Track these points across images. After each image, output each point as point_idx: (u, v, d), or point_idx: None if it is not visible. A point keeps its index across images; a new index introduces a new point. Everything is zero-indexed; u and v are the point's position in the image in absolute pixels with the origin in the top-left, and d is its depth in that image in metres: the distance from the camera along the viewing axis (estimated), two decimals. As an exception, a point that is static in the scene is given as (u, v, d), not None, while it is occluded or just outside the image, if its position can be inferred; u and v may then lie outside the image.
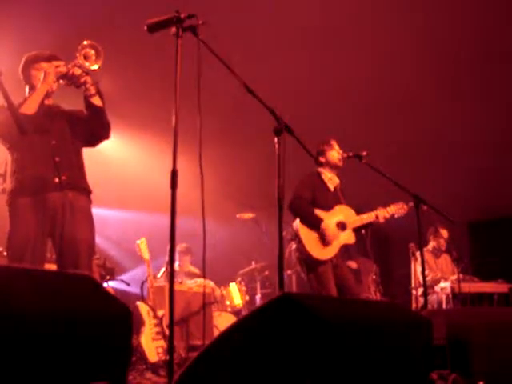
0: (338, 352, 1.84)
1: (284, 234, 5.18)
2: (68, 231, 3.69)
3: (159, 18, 2.99)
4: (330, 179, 5.59)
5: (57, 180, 3.71)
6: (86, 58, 3.72)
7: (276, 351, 1.81)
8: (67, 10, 6.01)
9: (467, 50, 6.90)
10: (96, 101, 3.84)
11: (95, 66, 3.73)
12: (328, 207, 5.40)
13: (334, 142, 5.59)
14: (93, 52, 3.72)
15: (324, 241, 5.24)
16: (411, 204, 4.97)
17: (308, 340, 1.75)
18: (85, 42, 3.72)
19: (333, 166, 5.58)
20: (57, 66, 3.79)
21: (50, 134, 3.81)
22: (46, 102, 3.84)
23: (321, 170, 5.59)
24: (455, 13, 6.39)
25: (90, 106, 3.84)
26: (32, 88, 3.88)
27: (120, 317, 1.64)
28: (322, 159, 5.56)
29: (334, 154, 5.55)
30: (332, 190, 5.58)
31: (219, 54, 3.06)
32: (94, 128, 3.96)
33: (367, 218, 5.43)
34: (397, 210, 5.47)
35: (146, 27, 3.02)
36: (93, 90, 3.79)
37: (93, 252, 3.89)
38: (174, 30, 2.97)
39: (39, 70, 3.88)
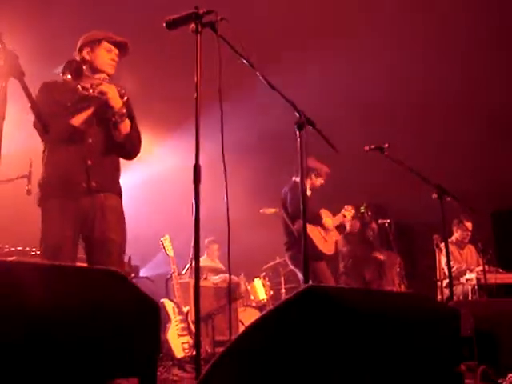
0: (366, 343, 1.83)
1: (296, 227, 5.55)
2: (98, 231, 3.66)
3: (178, 14, 2.99)
4: (309, 189, 6.15)
5: (85, 185, 3.65)
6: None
7: (303, 344, 1.80)
8: (86, 11, 6.05)
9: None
10: (123, 128, 3.71)
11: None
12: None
13: (327, 171, 6.17)
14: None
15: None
16: (435, 196, 4.92)
17: (336, 332, 1.75)
18: None
19: (311, 187, 6.14)
20: (101, 92, 3.63)
21: (88, 132, 3.71)
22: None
23: (298, 180, 5.91)
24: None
25: (116, 134, 3.72)
26: (93, 69, 3.80)
27: (148, 311, 1.65)
28: (312, 176, 6.10)
29: (319, 181, 6.15)
30: (308, 195, 6.11)
31: (239, 50, 3.06)
32: (124, 150, 3.86)
33: (340, 218, 6.33)
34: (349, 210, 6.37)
35: (164, 24, 3.02)
36: (118, 118, 3.66)
37: (123, 252, 3.83)
38: (193, 26, 2.97)
39: (109, 52, 3.83)
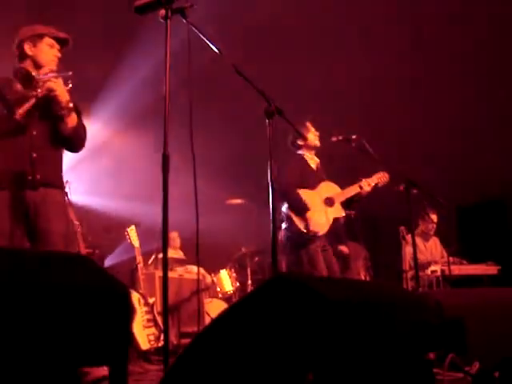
0: (336, 330, 1.81)
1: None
2: (41, 224, 3.63)
3: (147, -1, 2.93)
4: (312, 159, 5.72)
5: (30, 178, 3.60)
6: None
7: (275, 332, 1.78)
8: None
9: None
10: (70, 121, 3.68)
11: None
12: (313, 186, 5.51)
13: (309, 124, 5.68)
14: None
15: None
16: (401, 188, 4.95)
17: (309, 319, 1.73)
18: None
19: (311, 148, 5.69)
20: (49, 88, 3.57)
21: (32, 124, 3.65)
22: None
23: (301, 152, 5.72)
24: None
25: (63, 127, 3.68)
26: (36, 64, 3.71)
27: (119, 296, 1.61)
28: (300, 142, 5.65)
29: (311, 135, 5.65)
30: (314, 169, 5.70)
31: (208, 37, 3.02)
32: (71, 143, 3.83)
33: (352, 190, 5.58)
34: (378, 178, 5.61)
35: (134, 9, 2.95)
36: (66, 112, 3.62)
37: (69, 244, 3.82)
38: (162, 12, 2.92)
39: (51, 48, 3.76)
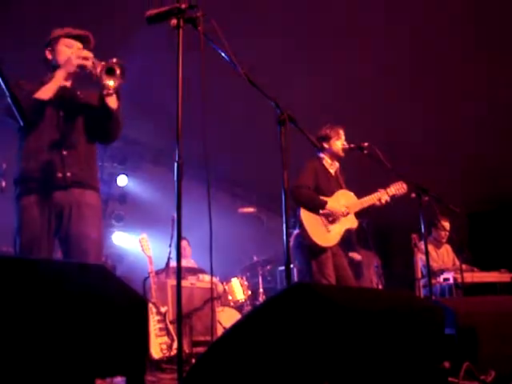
0: (352, 338, 1.81)
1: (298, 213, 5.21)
2: (74, 229, 3.54)
3: (159, 8, 2.94)
4: (331, 164, 5.56)
5: (60, 175, 3.52)
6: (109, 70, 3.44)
7: (292, 340, 1.78)
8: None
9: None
10: (111, 102, 3.55)
11: (111, 82, 3.43)
12: (330, 192, 5.38)
13: (341, 132, 5.52)
14: (118, 71, 3.44)
15: (331, 221, 5.26)
16: (413, 195, 4.94)
17: (325, 327, 1.72)
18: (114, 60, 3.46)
19: (334, 155, 5.52)
20: (84, 58, 3.54)
21: (60, 121, 3.60)
22: (64, 83, 3.65)
23: (322, 155, 5.56)
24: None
25: (103, 106, 3.56)
26: (55, 66, 3.67)
27: (137, 307, 1.61)
28: (325, 145, 5.48)
29: (339, 143, 5.48)
30: (333, 174, 5.55)
31: (221, 47, 3.01)
32: (105, 128, 3.72)
33: (369, 200, 5.41)
34: (396, 189, 5.44)
35: (145, 19, 2.96)
36: (110, 90, 3.48)
37: (101, 251, 3.71)
38: (174, 21, 2.92)
39: (69, 47, 3.72)
